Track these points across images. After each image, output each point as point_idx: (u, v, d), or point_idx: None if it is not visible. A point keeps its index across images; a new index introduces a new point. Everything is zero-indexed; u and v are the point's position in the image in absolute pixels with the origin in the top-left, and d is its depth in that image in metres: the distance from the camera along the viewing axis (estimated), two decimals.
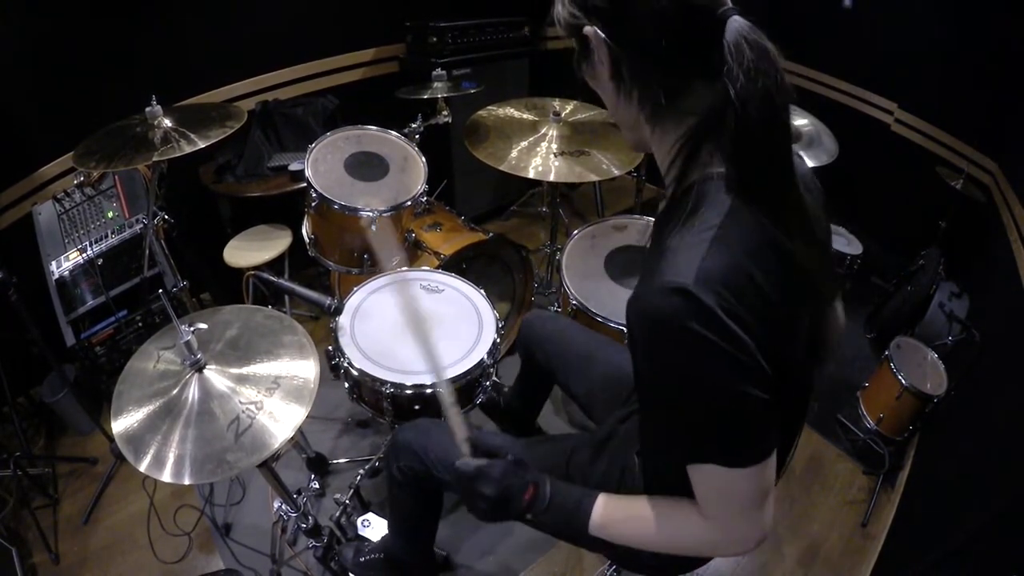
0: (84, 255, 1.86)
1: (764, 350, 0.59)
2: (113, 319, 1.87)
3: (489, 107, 2.09)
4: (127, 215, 1.95)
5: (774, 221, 0.62)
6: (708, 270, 0.57)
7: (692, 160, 0.65)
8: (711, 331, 0.56)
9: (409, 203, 1.66)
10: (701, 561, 0.99)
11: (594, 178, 1.84)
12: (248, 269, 1.46)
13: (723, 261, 0.58)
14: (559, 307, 1.85)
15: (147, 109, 1.56)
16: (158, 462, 0.91)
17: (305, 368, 1.06)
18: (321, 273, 2.57)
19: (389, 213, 1.61)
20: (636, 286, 0.65)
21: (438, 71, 2.04)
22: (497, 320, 1.48)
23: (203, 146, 1.49)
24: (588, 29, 0.65)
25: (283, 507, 1.34)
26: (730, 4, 0.61)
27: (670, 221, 0.66)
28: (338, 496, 1.64)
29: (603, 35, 0.64)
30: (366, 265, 1.72)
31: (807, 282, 0.66)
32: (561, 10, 0.69)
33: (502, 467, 0.81)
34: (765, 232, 0.62)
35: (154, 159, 1.44)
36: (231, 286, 2.01)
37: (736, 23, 0.59)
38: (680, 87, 0.64)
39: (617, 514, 0.79)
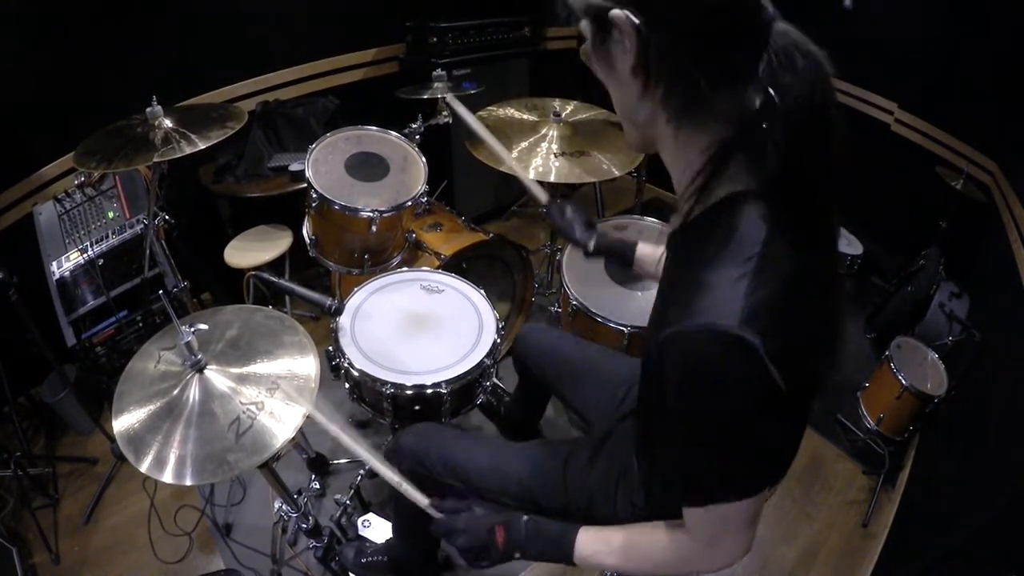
0: (85, 255, 1.86)
1: (795, 379, 0.57)
2: (114, 319, 1.87)
3: (489, 107, 2.09)
4: (128, 215, 1.95)
5: (809, 240, 0.60)
6: (753, 309, 0.54)
7: (720, 173, 0.60)
8: (752, 377, 0.55)
9: (409, 203, 1.66)
10: None
11: (594, 179, 1.84)
12: (248, 269, 1.46)
13: (766, 296, 0.55)
14: (559, 307, 1.85)
15: (148, 109, 1.56)
16: (159, 463, 0.91)
17: (306, 368, 1.06)
18: (322, 273, 2.57)
19: (389, 213, 1.61)
20: (662, 315, 0.63)
21: (438, 71, 2.03)
22: (497, 321, 1.48)
23: (204, 147, 1.49)
24: (617, 13, 0.57)
25: (283, 507, 1.34)
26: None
27: (701, 242, 0.62)
28: (338, 496, 1.65)
29: (636, 20, 0.56)
30: (367, 265, 1.73)
31: (831, 294, 0.65)
32: None
33: (464, 517, 0.87)
34: (801, 253, 0.58)
35: (155, 160, 1.44)
36: (231, 286, 2.01)
37: (783, 27, 0.56)
38: (716, 85, 0.57)
39: (601, 546, 0.81)
